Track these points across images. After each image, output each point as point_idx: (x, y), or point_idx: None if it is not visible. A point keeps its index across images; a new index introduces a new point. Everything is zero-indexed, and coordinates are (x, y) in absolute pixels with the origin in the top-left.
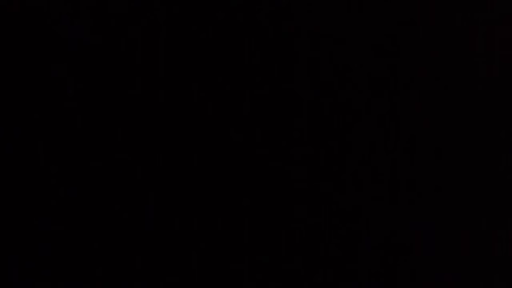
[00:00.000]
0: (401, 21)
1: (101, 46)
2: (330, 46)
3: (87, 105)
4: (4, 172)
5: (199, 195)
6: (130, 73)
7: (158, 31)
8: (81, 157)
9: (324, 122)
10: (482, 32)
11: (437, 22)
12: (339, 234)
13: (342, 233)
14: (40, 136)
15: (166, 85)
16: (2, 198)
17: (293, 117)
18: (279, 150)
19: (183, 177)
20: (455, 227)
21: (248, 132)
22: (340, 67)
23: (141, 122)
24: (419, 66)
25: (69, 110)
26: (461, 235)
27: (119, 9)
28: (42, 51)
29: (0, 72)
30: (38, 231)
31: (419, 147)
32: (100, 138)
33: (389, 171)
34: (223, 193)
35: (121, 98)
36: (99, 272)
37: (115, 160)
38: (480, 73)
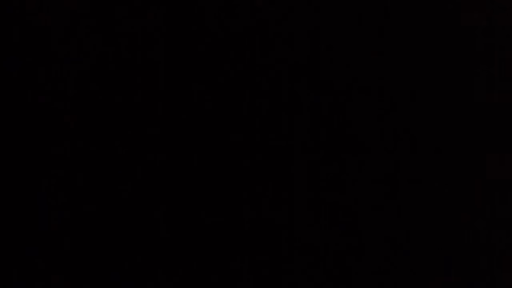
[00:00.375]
0: (400, 21)
1: (101, 46)
2: (330, 46)
3: (86, 105)
4: (4, 172)
5: (199, 195)
6: (130, 73)
7: (158, 31)
8: (81, 157)
9: (324, 122)
10: (482, 32)
11: (436, 21)
12: (339, 234)
13: (342, 233)
14: (40, 136)
15: (165, 85)
16: (2, 198)
17: (293, 117)
18: (279, 151)
19: (183, 177)
20: (455, 227)
21: (248, 132)
22: (339, 67)
23: (141, 122)
24: (418, 66)
25: (69, 110)
26: (460, 235)
27: (119, 9)
28: (41, 51)
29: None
30: (38, 232)
31: (419, 147)
32: (99, 138)
33: (389, 171)
34: (223, 193)
35: (120, 98)
36: (98, 272)
37: (115, 160)
38: (480, 73)
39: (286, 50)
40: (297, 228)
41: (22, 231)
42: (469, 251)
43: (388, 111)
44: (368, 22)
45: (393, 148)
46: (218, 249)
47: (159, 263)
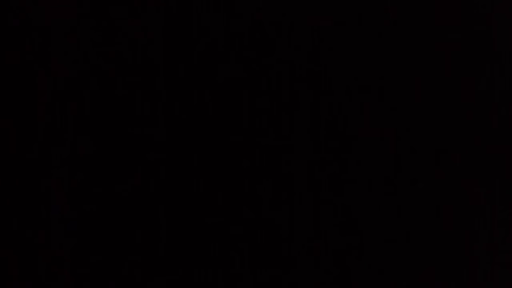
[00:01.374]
0: (400, 21)
1: (101, 46)
2: (330, 46)
3: (86, 105)
4: (4, 172)
5: (199, 195)
6: (130, 73)
7: (158, 31)
8: (81, 157)
9: (324, 122)
10: (482, 32)
11: (436, 21)
12: (339, 234)
13: (342, 233)
14: (40, 136)
15: (165, 84)
16: (2, 198)
17: (293, 117)
18: (279, 150)
19: (183, 177)
20: (455, 227)
21: (248, 132)
22: (339, 66)
23: (141, 122)
24: (418, 66)
25: (69, 110)
26: (460, 235)
27: (119, 9)
28: (41, 51)
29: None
30: (38, 231)
31: (419, 147)
32: (99, 138)
33: (389, 171)
34: (223, 193)
35: (120, 98)
36: (98, 272)
37: (115, 160)
38: (481, 73)
39: (286, 50)
40: (297, 228)
41: (22, 231)
42: (469, 251)
43: (388, 111)
44: (368, 22)
45: (393, 148)
46: (218, 249)
47: (159, 263)
